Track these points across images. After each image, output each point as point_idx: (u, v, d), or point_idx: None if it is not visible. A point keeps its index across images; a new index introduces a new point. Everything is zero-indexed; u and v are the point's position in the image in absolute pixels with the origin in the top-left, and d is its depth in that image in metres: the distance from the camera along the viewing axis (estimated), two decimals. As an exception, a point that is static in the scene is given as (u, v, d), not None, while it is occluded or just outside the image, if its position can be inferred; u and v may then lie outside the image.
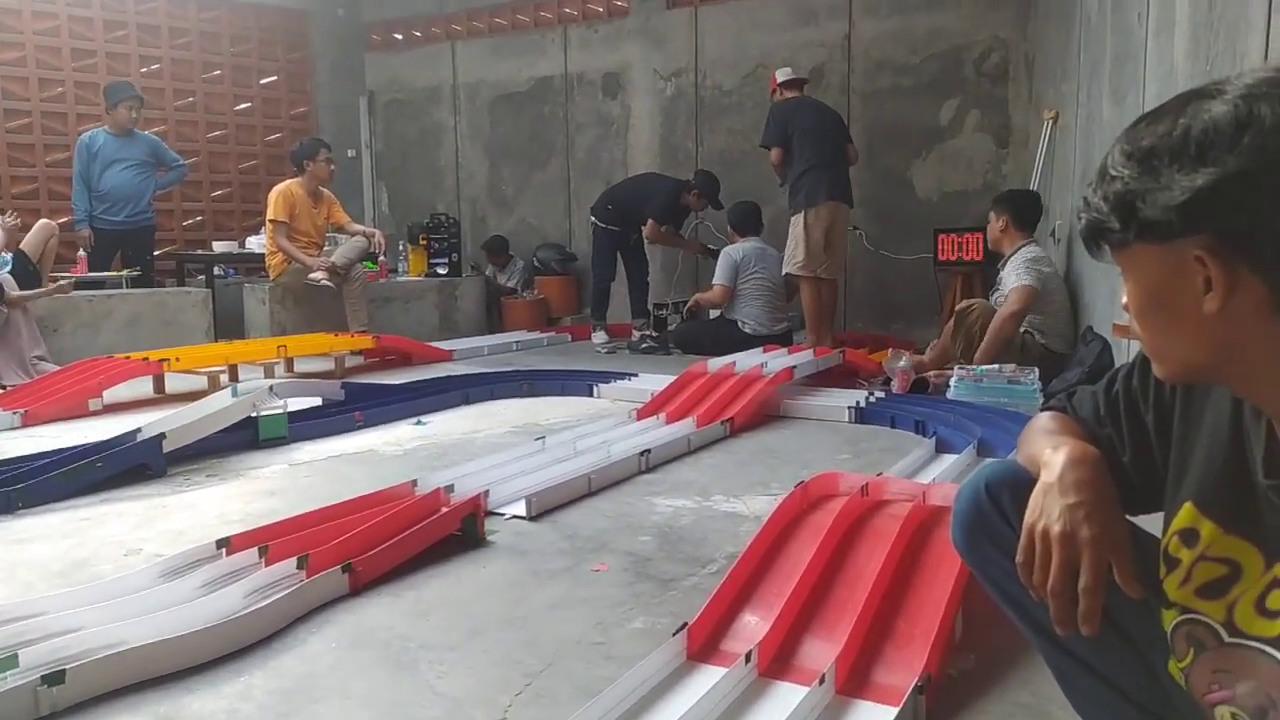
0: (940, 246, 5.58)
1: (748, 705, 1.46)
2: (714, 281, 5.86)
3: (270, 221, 5.85)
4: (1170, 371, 0.86)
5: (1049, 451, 0.96)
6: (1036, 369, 3.78)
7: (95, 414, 3.91)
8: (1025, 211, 4.52)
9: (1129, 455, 0.98)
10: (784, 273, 5.64)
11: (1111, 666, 1.01)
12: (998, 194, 4.78)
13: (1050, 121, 5.21)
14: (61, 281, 5.19)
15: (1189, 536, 0.89)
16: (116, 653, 1.56)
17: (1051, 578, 0.89)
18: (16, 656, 1.52)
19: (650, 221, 6.32)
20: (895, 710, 1.37)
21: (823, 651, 1.57)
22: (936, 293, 6.04)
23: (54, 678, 1.48)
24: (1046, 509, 0.91)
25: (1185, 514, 0.89)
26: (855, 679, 1.51)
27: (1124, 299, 0.86)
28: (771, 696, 1.49)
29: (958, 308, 4.45)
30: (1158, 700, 0.98)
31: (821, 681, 1.44)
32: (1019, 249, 4.34)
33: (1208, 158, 0.72)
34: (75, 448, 2.95)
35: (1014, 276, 4.20)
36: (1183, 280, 0.77)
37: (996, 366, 3.85)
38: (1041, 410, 1.11)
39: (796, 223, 5.48)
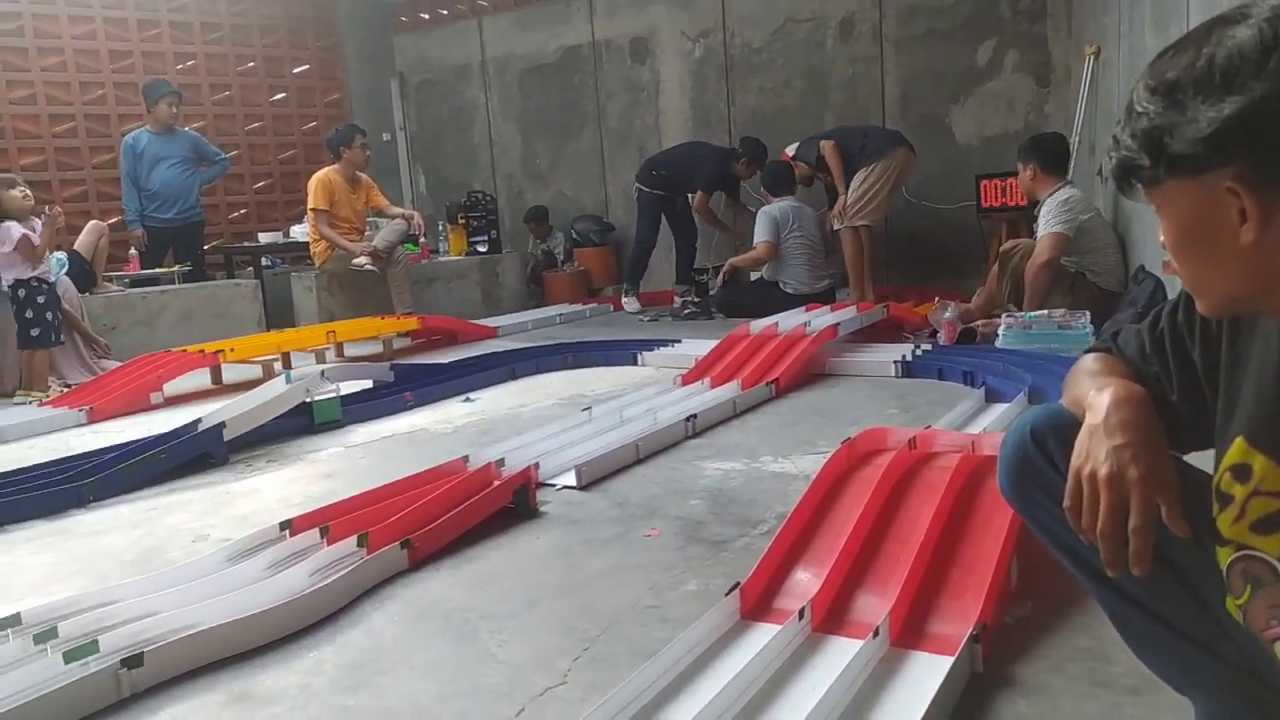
0: (983, 193, 5.47)
1: (803, 661, 1.48)
2: (756, 240, 5.79)
3: (311, 210, 5.94)
4: (1212, 305, 0.84)
5: (1094, 393, 0.95)
6: (1088, 312, 3.71)
7: (157, 407, 4.03)
8: (1051, 156, 4.39)
9: (1177, 393, 0.97)
10: (832, 229, 5.64)
11: (1167, 607, 1.00)
12: (1021, 142, 4.63)
13: (1092, 57, 5.05)
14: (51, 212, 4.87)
15: (1241, 472, 0.87)
16: (190, 634, 1.62)
17: (1100, 520, 0.88)
18: (97, 642, 1.59)
19: (699, 193, 6.28)
20: (951, 659, 1.37)
21: (876, 605, 1.58)
22: (982, 241, 5.93)
23: (133, 661, 1.55)
24: (1093, 451, 0.90)
25: (1237, 449, 0.88)
26: (910, 631, 1.52)
27: (1160, 236, 0.84)
28: (826, 651, 1.50)
29: (1001, 249, 4.38)
30: (1217, 638, 0.97)
31: (876, 634, 1.45)
32: (1053, 193, 4.23)
33: (1234, 85, 0.70)
34: (139, 441, 3.04)
35: (1045, 223, 4.12)
36: (1217, 213, 0.75)
37: (1045, 312, 3.78)
38: (1086, 351, 1.10)
39: (864, 176, 5.49)
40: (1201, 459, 0.96)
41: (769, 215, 5.72)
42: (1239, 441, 0.88)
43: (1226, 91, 0.71)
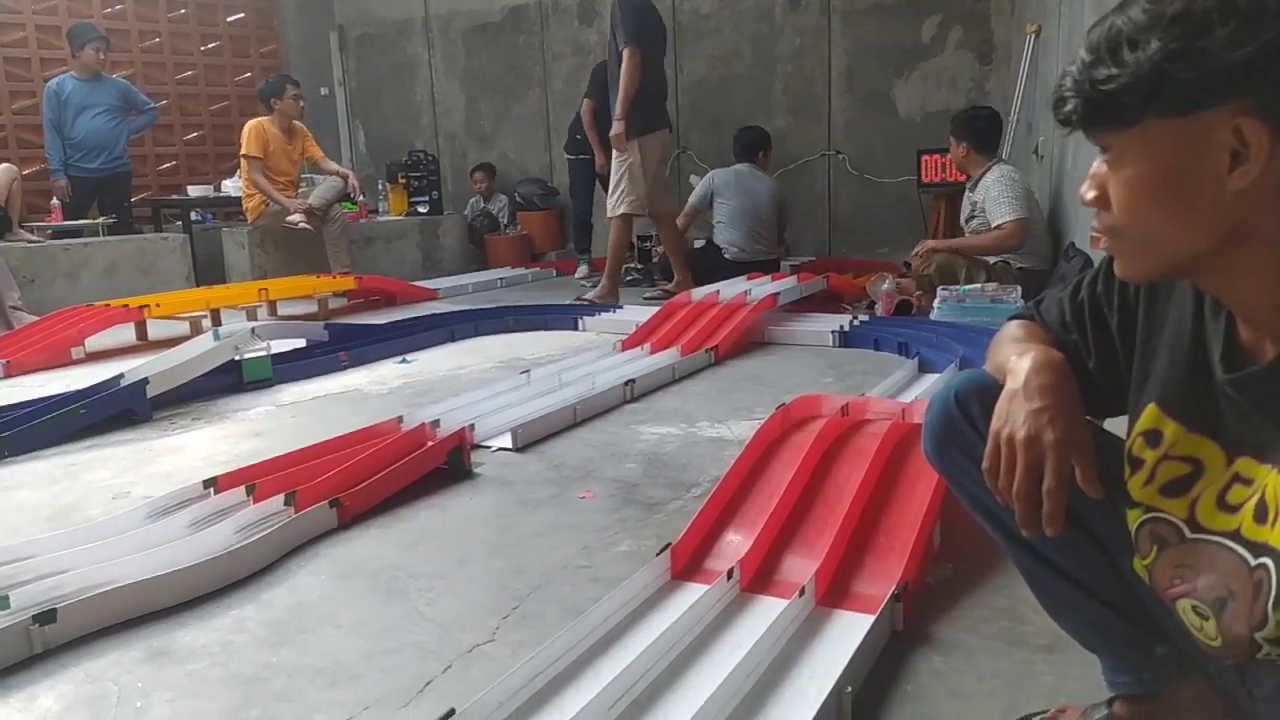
0: (924, 168, 5.53)
1: (730, 620, 1.50)
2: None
3: (244, 157, 5.72)
4: (1152, 268, 0.82)
5: (1014, 358, 0.96)
6: (1019, 288, 3.79)
7: (78, 362, 3.89)
8: (985, 134, 4.38)
9: (1094, 360, 0.99)
10: (609, 216, 5.12)
11: (1080, 568, 1.03)
12: (954, 116, 4.64)
13: (1033, 35, 5.12)
14: None
15: (1152, 437, 0.90)
16: (107, 591, 1.58)
17: (1017, 481, 0.90)
18: (8, 598, 1.54)
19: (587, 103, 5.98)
20: (872, 618, 1.40)
21: (803, 566, 1.60)
22: (921, 215, 6.01)
23: (45, 617, 1.50)
24: (1011, 415, 0.92)
25: (1149, 415, 0.90)
26: (835, 591, 1.55)
27: (1089, 193, 0.81)
28: (753, 610, 1.52)
29: (914, 265, 4.37)
30: (1124, 598, 1.01)
31: (801, 594, 1.47)
32: (989, 168, 4.25)
33: (1265, 14, 0.68)
34: (59, 395, 2.94)
35: (1000, 207, 4.06)
36: (1204, 156, 0.72)
37: (980, 286, 3.86)
38: (1010, 319, 1.11)
39: (628, 154, 4.94)
40: (1116, 425, 0.99)
41: (708, 178, 5.69)
42: (1151, 408, 0.90)
43: (1257, 19, 0.68)
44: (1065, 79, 0.79)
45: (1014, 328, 1.07)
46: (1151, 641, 1.01)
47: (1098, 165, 0.81)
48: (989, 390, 1.00)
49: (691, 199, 5.71)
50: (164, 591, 1.63)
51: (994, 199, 4.11)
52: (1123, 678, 1.04)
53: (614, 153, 5.00)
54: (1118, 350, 0.97)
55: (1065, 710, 1.13)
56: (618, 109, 4.89)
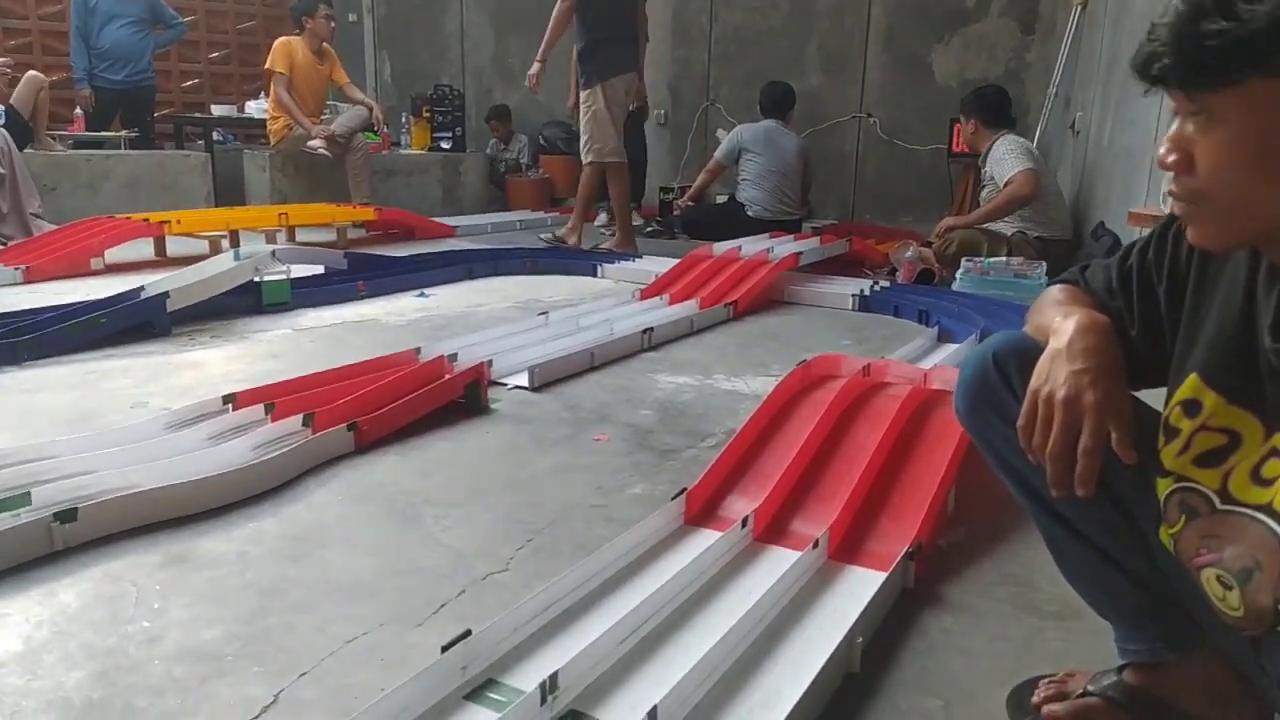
0: (955, 137, 5.45)
1: (742, 567, 1.51)
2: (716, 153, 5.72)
3: (269, 72, 5.65)
4: (1234, 235, 0.80)
5: (1059, 319, 0.95)
6: (1044, 263, 3.75)
7: (96, 273, 3.90)
8: (992, 109, 4.39)
9: (1137, 329, 0.98)
10: (585, 163, 5.02)
11: (1103, 534, 1.03)
12: (964, 97, 4.60)
13: (1079, 8, 5.01)
14: None
15: (1191, 407, 0.89)
16: (127, 494, 1.60)
17: (1052, 440, 0.89)
18: (29, 494, 1.56)
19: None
20: (884, 575, 1.41)
21: (817, 520, 1.61)
22: (949, 185, 5.94)
23: (66, 515, 1.52)
24: (1053, 374, 0.91)
25: (1189, 385, 0.90)
26: (848, 546, 1.55)
27: (1170, 156, 0.79)
28: (765, 560, 1.53)
29: (934, 244, 4.32)
30: (1146, 567, 1.01)
31: (815, 546, 1.48)
32: (996, 140, 4.25)
33: None
34: (80, 303, 2.95)
35: (1010, 162, 4.06)
36: None
37: (1004, 260, 3.82)
38: (1053, 282, 1.10)
39: (591, 99, 4.82)
40: (1151, 398, 0.98)
41: (735, 133, 5.62)
42: (1193, 378, 0.90)
43: None
44: (1156, 33, 0.75)
45: (1056, 291, 1.06)
46: (1167, 611, 1.02)
47: (1178, 127, 0.78)
48: (1028, 352, 0.99)
49: (718, 154, 5.64)
50: (184, 499, 1.64)
51: (998, 160, 4.15)
52: (1135, 645, 1.05)
53: (581, 99, 4.91)
54: (1162, 320, 0.96)
55: (1074, 674, 1.13)
56: (539, 53, 4.90)
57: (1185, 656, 1.02)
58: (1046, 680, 1.15)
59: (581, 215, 5.21)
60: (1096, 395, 0.88)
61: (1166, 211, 2.31)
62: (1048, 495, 0.94)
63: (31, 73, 5.30)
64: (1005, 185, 4.07)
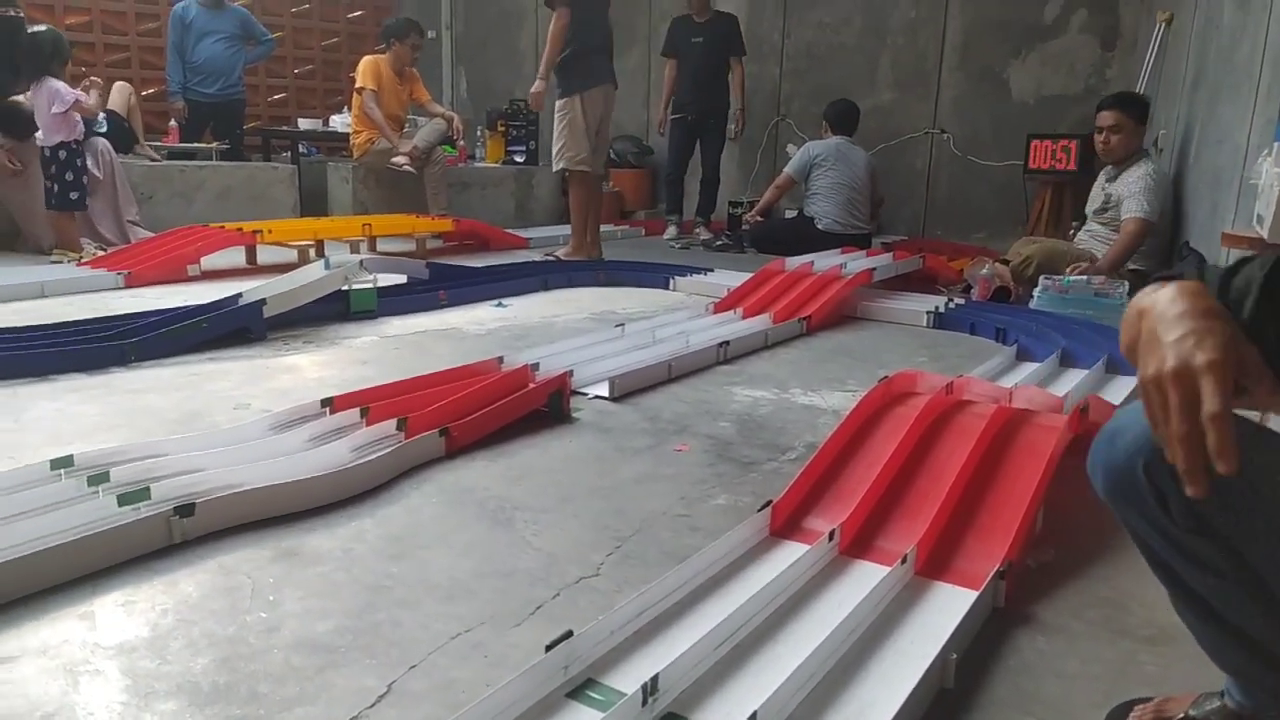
0: (1033, 153, 5.38)
1: (829, 580, 1.52)
2: (787, 169, 5.75)
3: (359, 91, 5.84)
4: None
5: (1146, 300, 0.81)
6: (1126, 284, 3.69)
7: (193, 279, 4.08)
8: (1145, 113, 4.12)
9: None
10: (555, 169, 5.16)
11: (1244, 617, 0.92)
12: (1116, 94, 4.31)
13: (1164, 24, 4.92)
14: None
15: None
16: (240, 491, 1.68)
17: (1172, 423, 0.74)
18: (149, 489, 1.65)
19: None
20: (975, 593, 1.42)
21: (904, 536, 1.62)
22: (1024, 203, 5.86)
23: (185, 510, 1.61)
24: (1156, 358, 0.76)
25: None
26: (936, 563, 1.56)
27: None
28: (853, 574, 1.54)
29: (1011, 263, 4.20)
30: None
31: (903, 562, 1.49)
32: (1139, 161, 4.01)
33: None
34: (182, 308, 3.09)
35: (1142, 201, 3.84)
36: None
37: (1085, 278, 3.76)
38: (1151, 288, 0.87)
39: (568, 109, 4.95)
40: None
41: (805, 149, 5.66)
42: None
43: None
44: None
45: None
46: None
47: None
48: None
49: (789, 169, 5.67)
50: (290, 497, 1.72)
51: (1135, 194, 3.90)
52: (1246, 700, 1.01)
53: (556, 108, 5.00)
54: None
55: (1171, 699, 1.13)
56: (540, 69, 4.98)
57: None
58: (1143, 704, 1.15)
59: (583, 230, 5.20)
60: (1207, 353, 0.73)
61: (1262, 232, 2.24)
62: (1189, 582, 0.91)
63: (119, 83, 5.56)
64: (1127, 221, 3.89)
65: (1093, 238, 4.16)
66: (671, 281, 4.53)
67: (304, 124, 7.18)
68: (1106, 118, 4.07)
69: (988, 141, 6.26)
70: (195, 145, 6.02)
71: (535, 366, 2.58)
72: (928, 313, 3.77)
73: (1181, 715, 1.07)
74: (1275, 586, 0.89)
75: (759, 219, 5.89)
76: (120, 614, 1.36)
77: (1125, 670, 1.29)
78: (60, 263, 4.35)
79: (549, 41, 4.88)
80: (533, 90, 5.09)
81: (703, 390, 2.72)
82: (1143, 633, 1.38)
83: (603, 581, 1.52)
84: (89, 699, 1.15)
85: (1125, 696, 1.22)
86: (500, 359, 2.65)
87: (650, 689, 1.13)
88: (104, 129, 5.04)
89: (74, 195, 4.52)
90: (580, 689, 1.19)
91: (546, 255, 5.21)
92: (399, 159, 5.80)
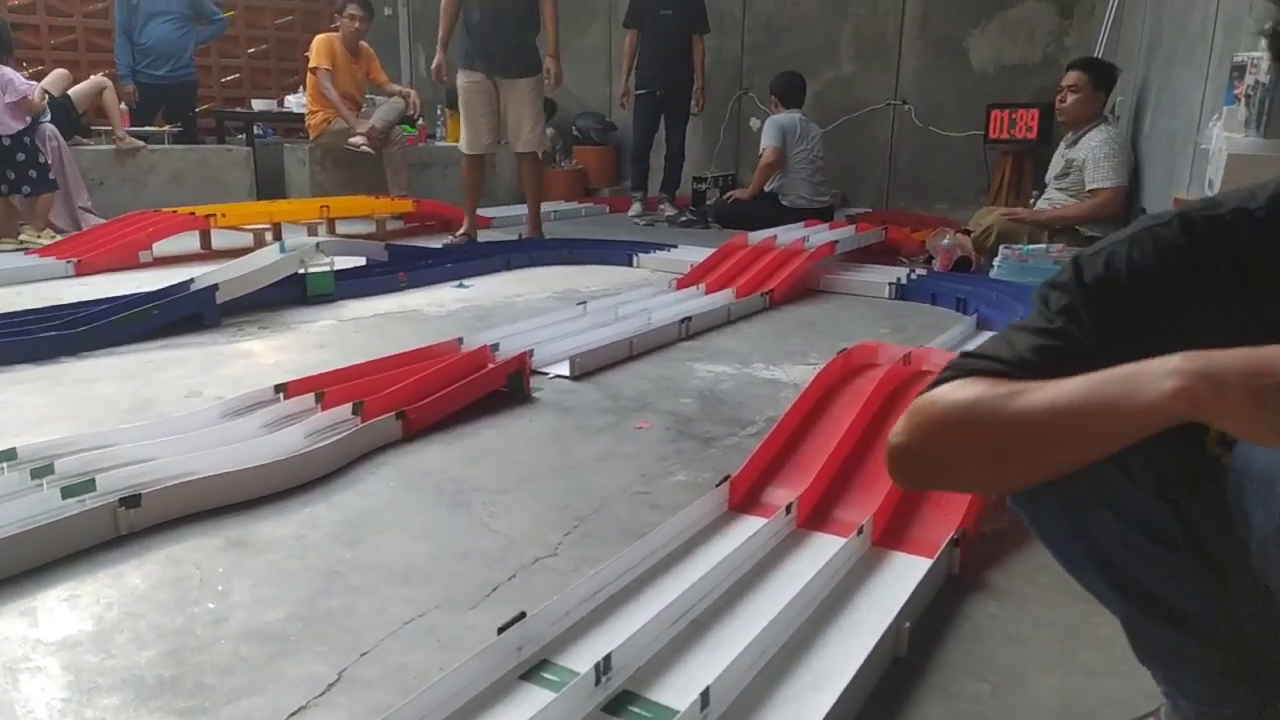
0: (993, 123, 5.39)
1: (787, 552, 1.53)
2: (762, 145, 5.65)
3: (313, 70, 5.70)
4: None
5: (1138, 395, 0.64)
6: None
7: (145, 266, 3.99)
8: (1108, 78, 4.08)
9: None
10: (516, 151, 5.01)
11: (1190, 601, 0.88)
12: (1078, 59, 4.27)
13: (1121, -9, 4.93)
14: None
15: None
16: (188, 480, 1.65)
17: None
18: (94, 481, 1.62)
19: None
20: (930, 561, 1.42)
21: (861, 508, 1.62)
22: (985, 172, 5.89)
23: (131, 500, 1.57)
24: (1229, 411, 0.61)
25: None
26: (892, 533, 1.57)
27: None
28: (810, 546, 1.55)
29: (973, 234, 4.22)
30: (1232, 635, 0.89)
31: (859, 533, 1.50)
32: (1097, 126, 4.00)
33: None
34: (132, 295, 3.02)
35: (1102, 170, 3.84)
36: None
37: (1044, 246, 3.79)
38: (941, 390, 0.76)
39: (535, 88, 4.84)
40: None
41: (777, 123, 5.60)
42: None
43: None
44: None
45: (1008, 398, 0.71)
46: (1250, 678, 0.92)
47: None
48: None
49: (773, 144, 5.48)
50: (242, 485, 1.69)
51: (1098, 160, 3.89)
52: (1219, 707, 0.95)
53: (526, 85, 4.88)
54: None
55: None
56: (439, 43, 4.94)
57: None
58: None
59: (469, 210, 5.06)
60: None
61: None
62: (1141, 573, 0.86)
63: (97, 76, 5.41)
64: (1092, 192, 3.90)
65: (1052, 205, 4.18)
66: (635, 258, 4.51)
67: (258, 105, 7.03)
68: (1069, 76, 4.07)
69: (949, 112, 6.27)
70: (146, 129, 5.88)
71: (495, 347, 2.56)
72: (890, 284, 3.78)
73: None
74: (1229, 568, 0.85)
75: (743, 200, 5.77)
76: (64, 609, 1.33)
77: (1078, 632, 1.30)
78: (13, 250, 4.24)
79: (442, 16, 4.84)
80: (433, 65, 4.98)
81: (665, 367, 2.71)
82: (1095, 596, 1.39)
83: (560, 561, 1.51)
84: (28, 696, 1.12)
85: (1077, 658, 1.23)
86: (460, 340, 2.62)
87: (604, 668, 1.12)
88: (48, 117, 4.91)
89: (52, 176, 4.50)
90: (534, 670, 1.18)
91: (446, 243, 4.92)
92: (356, 139, 5.71)
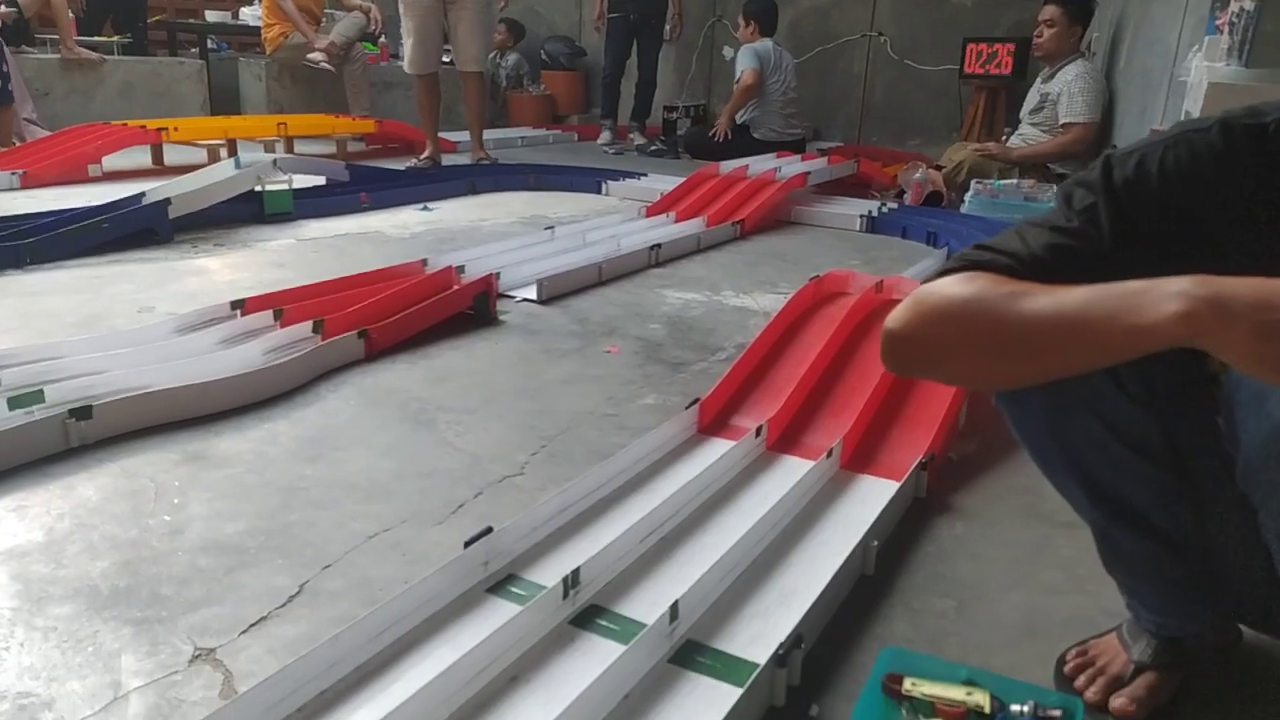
0: (968, 57, 5.33)
1: (756, 475, 1.52)
2: (740, 69, 5.48)
3: None
4: None
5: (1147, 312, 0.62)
6: (1055, 186, 3.71)
7: (94, 180, 3.84)
8: (1084, 8, 4.05)
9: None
10: (462, 70, 4.82)
11: (1163, 514, 0.89)
12: None
13: (1102, -76, 4.85)
14: None
15: None
16: (142, 394, 1.60)
17: None
18: (43, 392, 1.56)
19: None
20: (898, 484, 1.42)
21: (831, 432, 1.62)
22: (959, 108, 5.84)
23: (82, 412, 1.52)
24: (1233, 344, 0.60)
25: None
26: (861, 457, 1.56)
27: None
28: (779, 468, 1.54)
29: (944, 169, 4.18)
30: (1199, 547, 0.89)
31: (829, 455, 1.49)
32: (1073, 60, 3.97)
33: None
34: (81, 209, 2.90)
35: (1076, 105, 3.83)
36: None
37: (1015, 182, 3.78)
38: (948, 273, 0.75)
39: (484, 7, 4.66)
40: None
41: (753, 50, 5.46)
42: None
43: None
44: None
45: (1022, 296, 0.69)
46: (1215, 596, 0.95)
47: None
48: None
49: (751, 66, 5.32)
50: (198, 400, 1.64)
51: (1073, 95, 3.87)
52: (1178, 620, 0.98)
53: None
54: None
55: (1092, 646, 1.05)
56: None
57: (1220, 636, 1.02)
58: (1075, 651, 1.06)
59: (428, 131, 4.91)
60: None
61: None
62: (1118, 482, 0.86)
63: None
64: (1065, 126, 3.88)
65: (1024, 141, 4.17)
66: (604, 186, 4.43)
67: (212, 17, 6.75)
68: (1046, 11, 4.02)
69: (925, 45, 6.18)
70: (95, 39, 5.61)
71: (460, 269, 2.50)
72: (861, 217, 3.76)
73: (1133, 668, 1.00)
74: (1207, 483, 0.87)
75: (723, 135, 5.60)
76: (11, 519, 1.28)
77: (1041, 552, 1.31)
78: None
79: None
80: None
81: (633, 293, 2.67)
82: (1059, 518, 1.40)
83: (527, 480, 1.49)
84: (-24, 606, 1.09)
85: (1040, 578, 1.24)
86: (424, 261, 2.56)
87: (571, 582, 1.11)
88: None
89: (10, 88, 4.30)
90: (501, 584, 1.16)
91: (409, 165, 4.74)
92: (315, 55, 5.50)
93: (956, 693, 0.84)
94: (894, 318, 0.75)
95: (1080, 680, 1.02)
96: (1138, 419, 0.83)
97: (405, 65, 4.73)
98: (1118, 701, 0.98)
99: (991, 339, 0.70)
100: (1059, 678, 1.04)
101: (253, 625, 1.07)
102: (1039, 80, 4.19)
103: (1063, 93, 3.92)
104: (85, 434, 1.52)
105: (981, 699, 0.83)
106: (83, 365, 1.72)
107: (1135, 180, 0.75)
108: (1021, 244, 0.76)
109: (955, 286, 0.72)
